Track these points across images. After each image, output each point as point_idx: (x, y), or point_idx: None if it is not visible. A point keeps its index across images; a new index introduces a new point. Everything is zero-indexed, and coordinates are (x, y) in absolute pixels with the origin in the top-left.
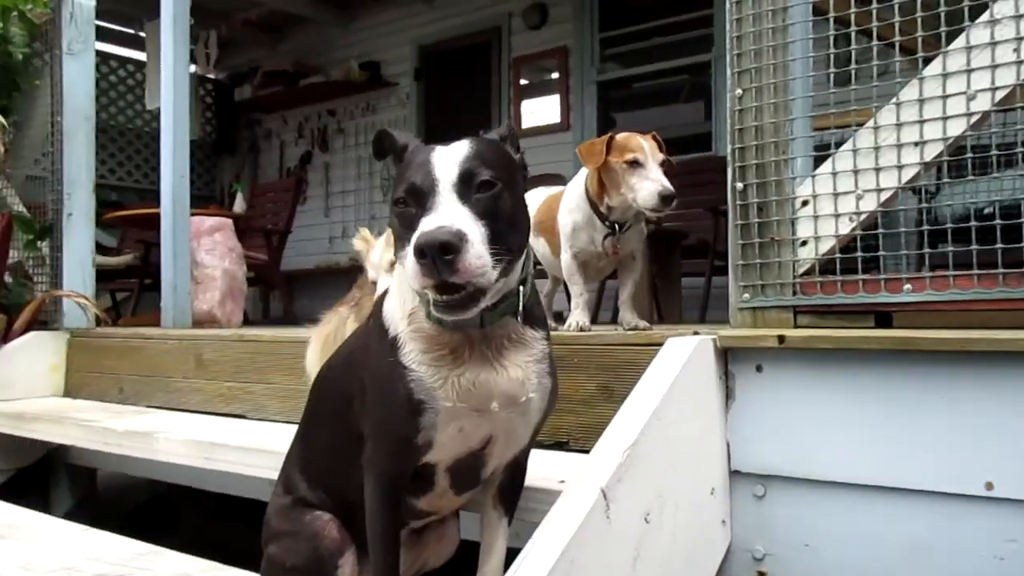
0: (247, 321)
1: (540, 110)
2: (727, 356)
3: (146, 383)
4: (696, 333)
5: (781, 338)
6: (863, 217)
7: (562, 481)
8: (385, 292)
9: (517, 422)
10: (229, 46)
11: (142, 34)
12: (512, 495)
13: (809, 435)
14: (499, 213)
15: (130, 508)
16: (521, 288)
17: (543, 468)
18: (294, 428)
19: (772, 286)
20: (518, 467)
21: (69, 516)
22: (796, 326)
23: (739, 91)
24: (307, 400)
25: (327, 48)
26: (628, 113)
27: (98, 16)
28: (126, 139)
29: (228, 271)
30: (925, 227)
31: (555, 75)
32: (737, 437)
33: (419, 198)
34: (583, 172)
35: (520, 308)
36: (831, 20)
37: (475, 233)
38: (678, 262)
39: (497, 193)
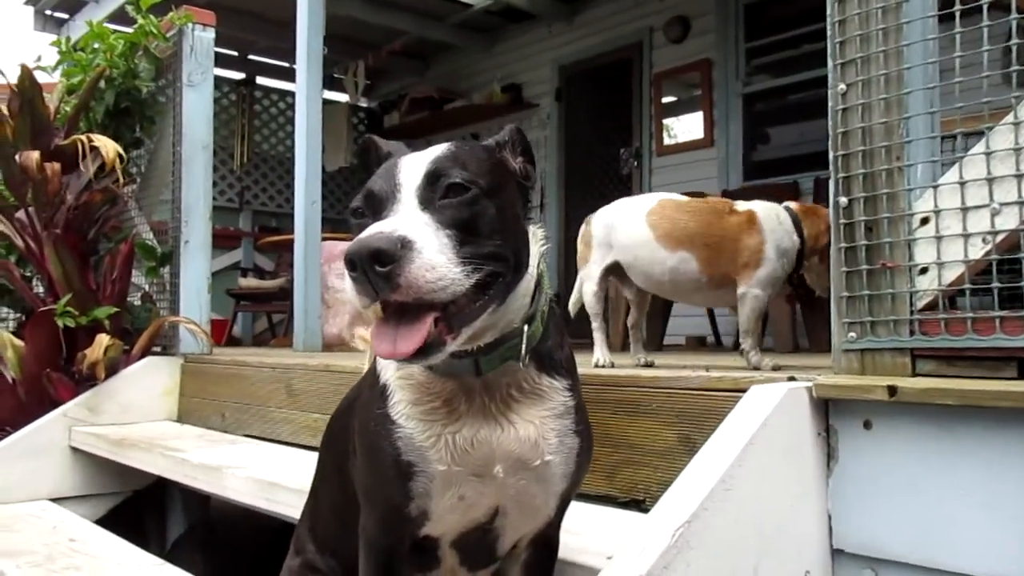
0: None
1: (683, 127)
2: (828, 408)
3: (244, 411)
4: (792, 378)
5: (892, 389)
6: (1000, 238)
7: (610, 557)
8: None
9: (533, 490)
10: (379, 75)
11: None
12: (541, 574)
13: (932, 511)
14: (475, 221)
15: (243, 535)
16: (526, 327)
17: (604, 535)
18: None
19: (884, 324)
20: (546, 542)
21: (181, 540)
22: (915, 373)
23: (842, 86)
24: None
25: (471, 72)
26: (776, 127)
27: (260, 52)
28: (284, 168)
29: None
30: None
31: (698, 91)
32: (841, 508)
33: (376, 206)
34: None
35: (523, 351)
36: None
37: (426, 240)
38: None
39: (471, 198)
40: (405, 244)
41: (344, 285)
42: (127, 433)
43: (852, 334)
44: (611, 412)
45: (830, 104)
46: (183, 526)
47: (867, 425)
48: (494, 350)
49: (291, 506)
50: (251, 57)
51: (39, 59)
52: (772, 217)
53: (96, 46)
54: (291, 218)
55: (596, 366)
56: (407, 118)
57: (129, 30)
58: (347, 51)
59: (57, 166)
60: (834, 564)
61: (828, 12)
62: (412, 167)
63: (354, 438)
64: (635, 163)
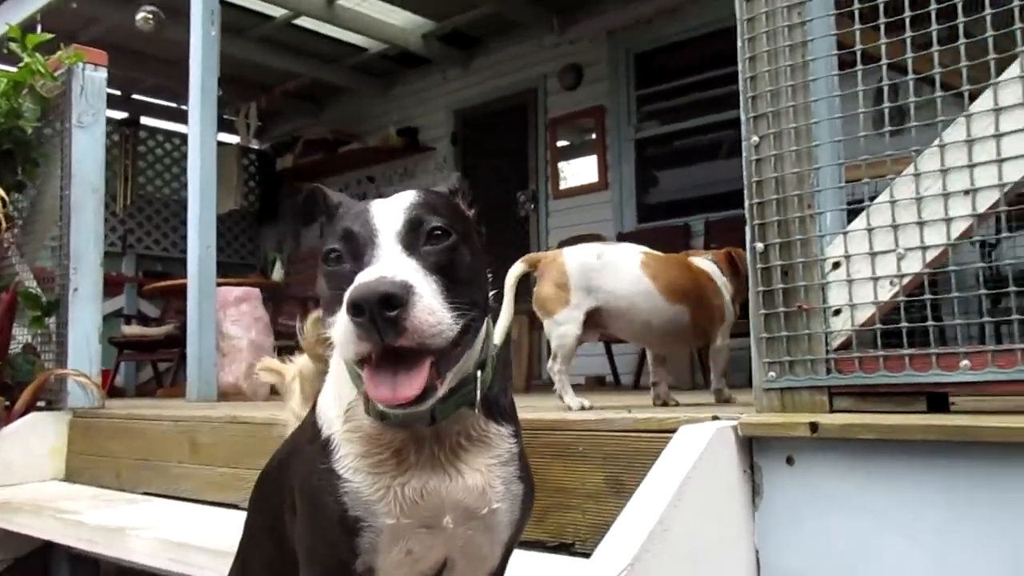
0: (275, 392)
1: (578, 170)
2: (752, 445)
3: (143, 467)
4: (715, 418)
5: (814, 425)
6: (906, 280)
7: None
8: (324, 385)
9: (480, 540)
10: (271, 117)
11: (186, 108)
12: None
13: (853, 543)
14: (456, 268)
15: None
16: (479, 373)
17: None
18: None
19: (802, 363)
20: None
21: None
22: (832, 410)
23: (755, 139)
24: (247, 513)
25: (366, 115)
26: (667, 171)
27: (146, 92)
28: (171, 210)
29: (254, 342)
30: (982, 291)
31: (592, 136)
32: (767, 542)
33: (355, 250)
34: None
35: (477, 397)
36: (858, 56)
37: (424, 285)
38: None
39: (452, 245)
40: (408, 289)
41: (239, 332)
42: (10, 496)
43: (772, 373)
44: (540, 455)
45: (744, 155)
46: None
47: (789, 461)
48: (449, 397)
49: (203, 568)
50: (135, 96)
51: None
52: (717, 272)
53: None
54: (177, 262)
55: (581, 408)
56: (300, 160)
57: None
58: (239, 92)
59: None
60: None
61: (740, 68)
62: (388, 212)
63: (290, 496)
64: (532, 206)
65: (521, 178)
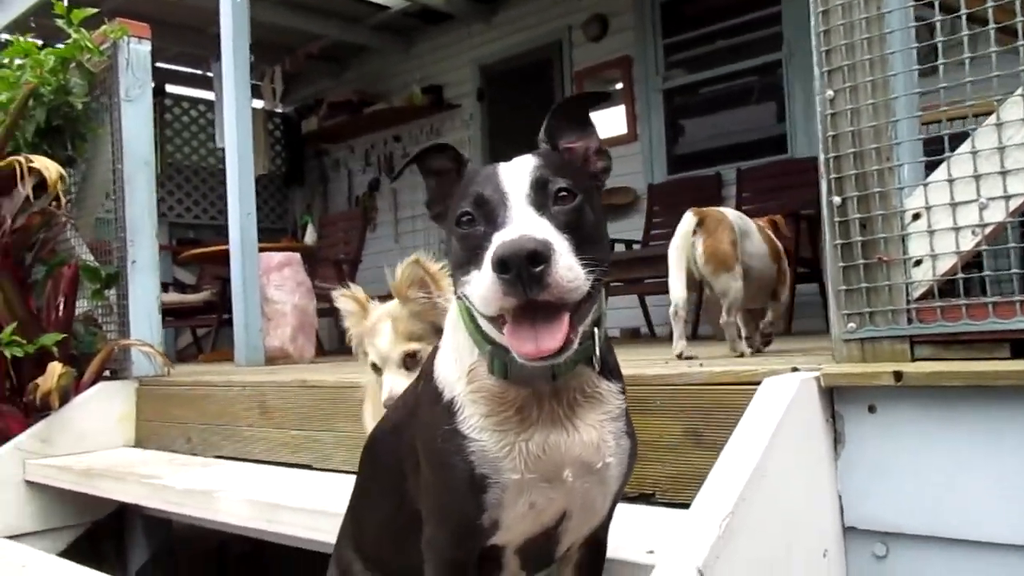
0: (321, 352)
1: (606, 122)
2: (833, 395)
3: (213, 432)
4: (795, 369)
5: (898, 374)
6: (989, 230)
7: (650, 551)
8: (435, 350)
9: (595, 492)
10: (294, 80)
11: (210, 74)
12: (593, 573)
13: (937, 486)
14: (583, 227)
15: (202, 556)
16: (596, 330)
17: (628, 530)
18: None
19: (882, 314)
20: (597, 543)
21: (144, 569)
22: (914, 359)
23: (830, 93)
24: (357, 470)
25: (390, 75)
26: (697, 119)
27: (169, 59)
28: (200, 177)
29: (298, 306)
30: None
31: (619, 86)
32: (850, 489)
33: (488, 213)
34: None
35: (597, 353)
36: (936, 3)
37: (561, 243)
38: None
39: (578, 205)
40: (550, 247)
41: (284, 297)
42: (91, 462)
43: (851, 324)
44: None
45: (818, 109)
46: (146, 555)
47: (872, 409)
48: None
49: (295, 525)
50: (159, 64)
51: None
52: None
53: (20, 62)
54: (209, 229)
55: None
56: (325, 123)
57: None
58: (263, 56)
59: None
60: (847, 541)
61: (812, 23)
62: (515, 176)
63: (411, 457)
64: None
65: None
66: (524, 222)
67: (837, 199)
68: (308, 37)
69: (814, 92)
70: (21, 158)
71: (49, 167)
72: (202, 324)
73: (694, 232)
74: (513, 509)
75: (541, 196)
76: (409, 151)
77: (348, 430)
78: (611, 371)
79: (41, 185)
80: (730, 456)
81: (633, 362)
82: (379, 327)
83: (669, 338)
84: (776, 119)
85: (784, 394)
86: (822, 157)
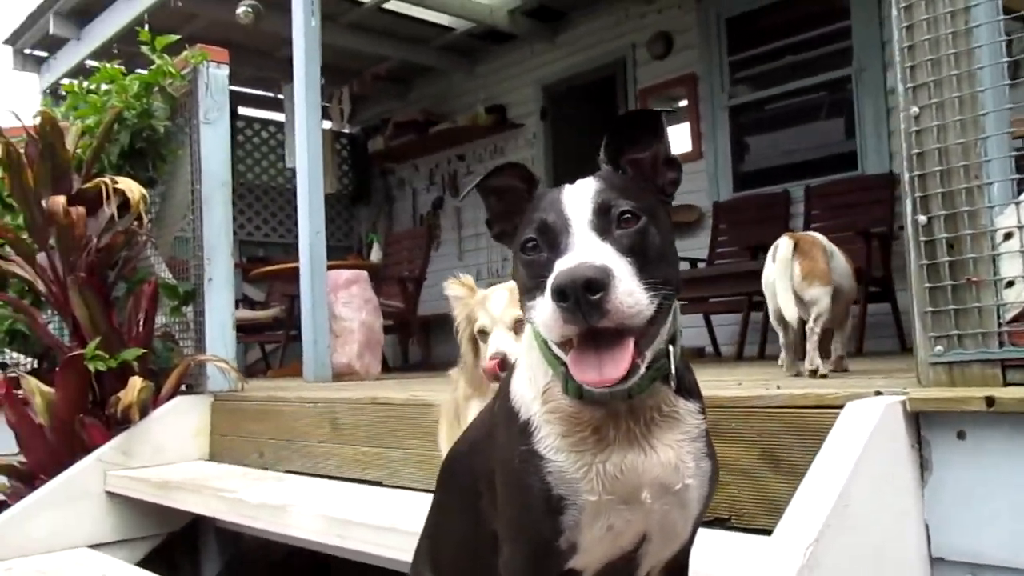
0: (386, 369)
1: (671, 140)
2: (919, 420)
3: (284, 447)
4: (878, 393)
5: (990, 400)
6: None
7: None
8: (512, 370)
9: (675, 515)
10: (361, 100)
11: (280, 96)
12: None
13: None
14: (647, 249)
15: (272, 567)
16: (671, 348)
17: (704, 554)
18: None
19: (972, 336)
20: (679, 568)
21: None
22: (1006, 383)
23: (915, 109)
24: (435, 489)
25: (454, 94)
26: (763, 136)
27: (241, 83)
28: (270, 197)
29: (365, 323)
30: None
31: (684, 103)
32: (937, 518)
33: (551, 239)
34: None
35: (672, 370)
36: None
37: (622, 268)
38: None
39: (642, 227)
40: (608, 273)
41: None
42: (168, 475)
43: (939, 347)
44: None
45: (903, 126)
46: (218, 566)
47: (961, 435)
48: (645, 372)
49: (366, 542)
50: (232, 88)
51: (45, 103)
52: None
53: (106, 87)
54: (278, 247)
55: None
56: (392, 142)
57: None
58: (331, 78)
59: (82, 210)
60: (934, 572)
61: (895, 39)
62: (577, 199)
63: (487, 477)
64: None
65: None
66: (584, 248)
67: (923, 218)
68: (375, 59)
69: (897, 109)
70: (107, 179)
71: (132, 188)
72: (271, 340)
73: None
74: (591, 531)
75: (604, 220)
76: (473, 170)
77: (417, 448)
78: (689, 390)
79: (124, 205)
80: (814, 482)
81: (705, 383)
82: (493, 295)
83: (739, 357)
84: (845, 135)
85: (868, 419)
86: (906, 176)
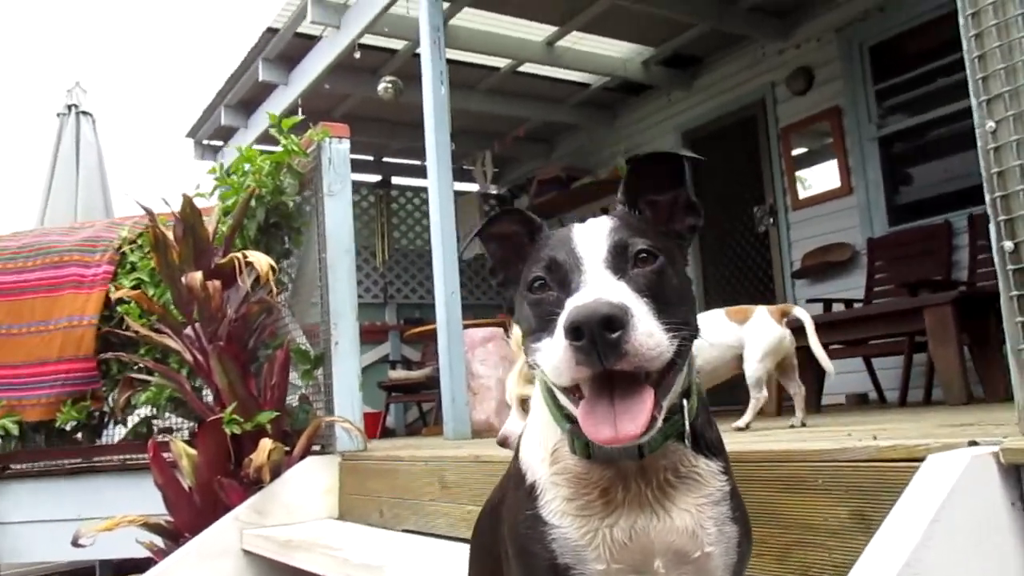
0: None
1: (817, 177)
2: (1020, 474)
3: (399, 505)
4: (973, 443)
5: None
6: None
7: None
8: (524, 430)
9: None
10: (506, 162)
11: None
12: None
13: None
14: (665, 290)
15: None
16: (685, 402)
17: None
18: None
19: None
20: None
21: None
22: None
23: (991, 124)
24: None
25: (595, 148)
26: (918, 165)
27: (393, 154)
28: (425, 260)
29: (501, 379)
30: None
31: (829, 139)
32: None
33: (561, 277)
34: None
35: (686, 427)
36: None
37: (640, 308)
38: (995, 328)
39: (660, 267)
40: (626, 310)
41: (488, 372)
42: (292, 535)
43: None
44: (773, 488)
45: (980, 144)
46: None
47: None
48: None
49: None
50: (385, 159)
51: (198, 187)
52: None
53: (247, 168)
54: (434, 308)
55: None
56: (537, 199)
57: (271, 148)
58: (474, 142)
59: (217, 283)
60: None
61: (965, 48)
62: (591, 237)
63: (503, 542)
64: (771, 220)
65: (756, 192)
66: (599, 285)
67: (1009, 244)
68: (515, 121)
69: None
70: (239, 255)
71: (261, 260)
72: (427, 399)
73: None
74: None
75: (619, 259)
76: None
77: None
78: (711, 447)
79: (258, 278)
80: (877, 547)
81: (811, 432)
82: (513, 369)
83: (902, 404)
84: None
85: (949, 473)
86: (988, 197)
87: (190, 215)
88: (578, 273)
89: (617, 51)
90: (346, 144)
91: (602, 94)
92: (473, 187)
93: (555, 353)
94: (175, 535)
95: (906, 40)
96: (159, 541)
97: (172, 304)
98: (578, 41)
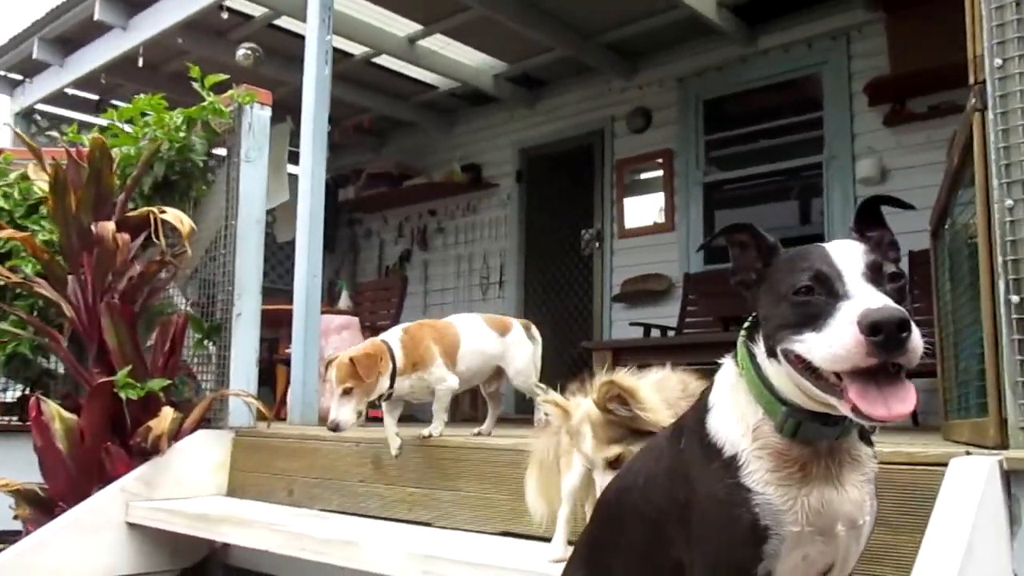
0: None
1: (644, 210)
2: (1010, 479)
3: (319, 485)
4: (968, 453)
5: None
6: None
7: None
8: (699, 412)
9: (853, 548)
10: (336, 149)
11: None
12: None
13: None
14: (904, 303)
15: None
16: None
17: None
18: (490, 538)
19: None
20: None
21: None
22: None
23: (1010, 202)
24: (588, 528)
25: (430, 150)
26: (733, 212)
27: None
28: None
29: None
30: None
31: (659, 172)
32: None
33: (828, 286)
34: None
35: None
36: None
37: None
38: None
39: (904, 286)
40: (909, 318)
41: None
42: (204, 509)
43: None
44: None
45: (997, 216)
46: None
47: None
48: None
49: None
50: None
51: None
52: None
53: (146, 118)
54: (276, 293)
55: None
56: (363, 192)
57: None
58: None
59: (127, 237)
60: None
61: (991, 140)
62: (848, 255)
63: (674, 509)
64: (597, 244)
65: (586, 217)
66: (874, 295)
67: (1016, 298)
68: (355, 110)
69: (990, 201)
70: (155, 209)
71: (183, 220)
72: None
73: None
74: (788, 561)
75: (877, 275)
76: (444, 225)
77: (473, 490)
78: (866, 437)
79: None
80: (943, 530)
81: None
82: (582, 431)
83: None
84: (813, 218)
85: (978, 477)
86: (1000, 259)
87: (99, 160)
88: (841, 284)
89: (472, 60)
90: (267, 112)
91: (446, 98)
92: (294, 169)
93: (839, 343)
94: (50, 504)
95: (738, 99)
96: (31, 510)
97: (59, 252)
98: (439, 44)
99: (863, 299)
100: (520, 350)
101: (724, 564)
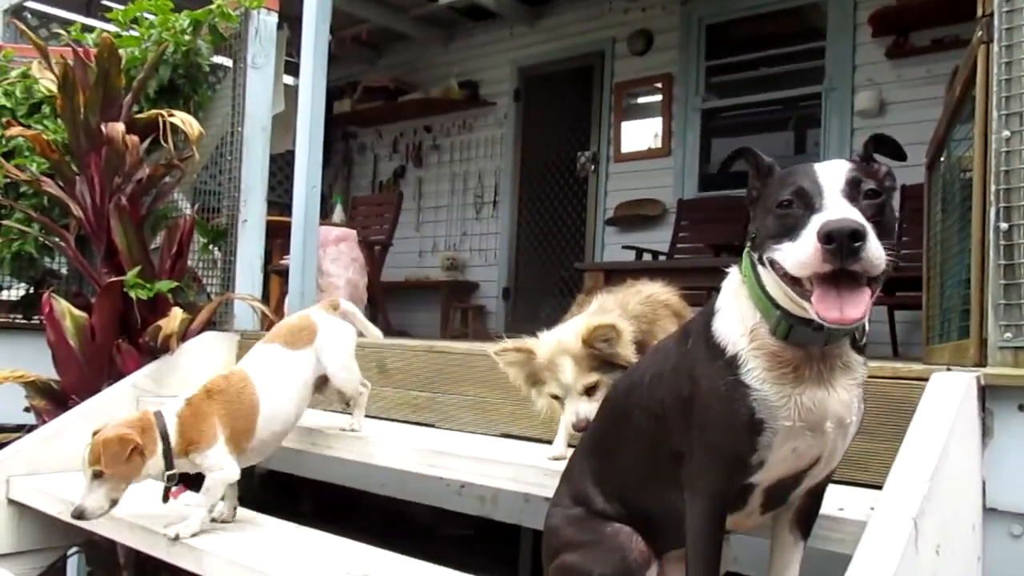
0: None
1: (641, 134)
2: (985, 393)
3: None
4: (949, 369)
5: None
6: None
7: (841, 508)
8: (704, 316)
9: (839, 444)
10: (331, 61)
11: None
12: (811, 520)
13: None
14: (883, 222)
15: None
16: None
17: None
18: (491, 439)
19: None
20: (820, 492)
21: None
22: None
23: (1007, 133)
24: (594, 423)
25: (426, 66)
26: (731, 140)
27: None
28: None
29: (351, 280)
30: None
31: (658, 97)
32: (994, 475)
33: (806, 200)
34: None
35: (866, 328)
36: None
37: (868, 228)
38: None
39: (883, 203)
40: (865, 228)
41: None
42: None
43: (1008, 334)
44: None
45: (993, 147)
46: None
47: (1021, 408)
48: None
49: (457, 471)
50: None
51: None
52: None
53: (151, 19)
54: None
55: None
56: (359, 106)
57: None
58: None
59: (136, 139)
60: (986, 519)
61: (995, 72)
62: (831, 173)
63: (676, 403)
64: (592, 167)
65: (583, 139)
66: (842, 208)
67: (1004, 225)
68: (351, 20)
69: (989, 131)
70: (164, 112)
71: (192, 124)
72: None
73: None
74: (780, 451)
75: (853, 191)
76: (439, 143)
77: (476, 394)
78: (860, 347)
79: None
80: (921, 435)
81: None
82: (559, 363)
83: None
84: (810, 149)
85: (956, 390)
86: (993, 188)
87: (107, 60)
88: (819, 198)
89: None
90: (274, 17)
91: (444, 12)
92: (290, 80)
93: (802, 251)
94: (63, 397)
95: (742, 25)
96: (45, 403)
97: (67, 151)
98: None
99: (830, 211)
100: (334, 344)
101: (723, 453)
